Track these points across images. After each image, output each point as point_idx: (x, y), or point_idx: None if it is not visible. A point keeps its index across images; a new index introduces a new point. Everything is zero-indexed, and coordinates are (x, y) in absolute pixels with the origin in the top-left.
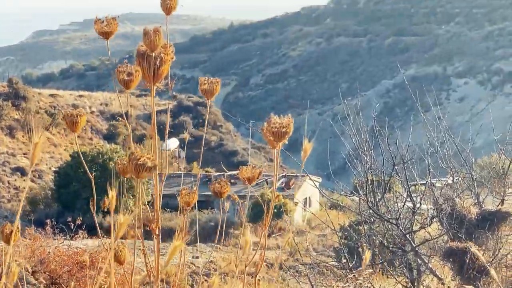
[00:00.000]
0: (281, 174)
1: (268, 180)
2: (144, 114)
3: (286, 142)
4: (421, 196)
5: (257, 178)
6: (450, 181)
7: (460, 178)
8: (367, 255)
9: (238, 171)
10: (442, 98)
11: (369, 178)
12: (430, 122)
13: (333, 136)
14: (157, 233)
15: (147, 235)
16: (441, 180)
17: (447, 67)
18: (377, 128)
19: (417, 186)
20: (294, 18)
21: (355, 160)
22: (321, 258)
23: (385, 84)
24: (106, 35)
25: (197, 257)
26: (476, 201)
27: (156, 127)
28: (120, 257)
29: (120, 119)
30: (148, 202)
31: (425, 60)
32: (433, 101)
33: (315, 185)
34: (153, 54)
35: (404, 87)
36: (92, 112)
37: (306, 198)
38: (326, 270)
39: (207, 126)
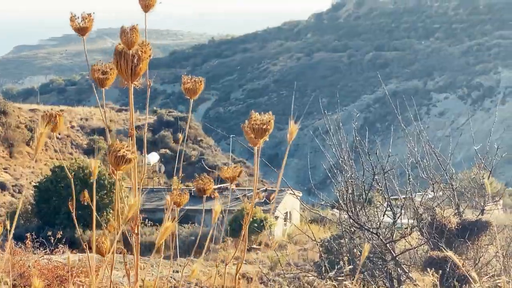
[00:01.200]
0: (262, 189)
1: (248, 194)
2: (124, 128)
3: (267, 139)
4: (401, 205)
5: (239, 177)
6: (430, 192)
7: (440, 189)
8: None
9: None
10: (422, 112)
11: (349, 187)
12: (411, 135)
13: (314, 151)
14: (136, 231)
15: (127, 249)
16: (421, 194)
17: (428, 81)
18: (357, 138)
19: (397, 200)
20: (275, 33)
21: (336, 171)
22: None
23: (365, 99)
24: (82, 31)
25: (177, 272)
26: (456, 211)
27: (134, 126)
28: (101, 249)
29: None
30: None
31: (406, 75)
32: (414, 115)
33: (297, 196)
34: (131, 52)
35: (385, 102)
36: (72, 127)
37: (286, 213)
38: (307, 284)
39: (187, 140)
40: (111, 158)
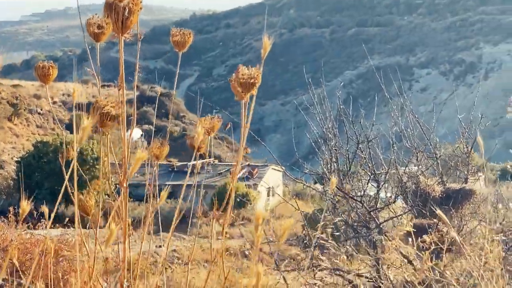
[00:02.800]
0: (245, 164)
1: (231, 170)
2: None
3: (254, 93)
4: (385, 172)
5: (216, 129)
6: (414, 161)
7: (424, 158)
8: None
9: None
10: (405, 88)
11: (333, 156)
12: (395, 104)
13: (296, 126)
14: (124, 185)
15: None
16: (405, 164)
17: (410, 57)
18: (341, 107)
19: (382, 171)
20: (257, 9)
21: (320, 140)
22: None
23: (348, 75)
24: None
25: (160, 247)
26: (440, 180)
27: (124, 80)
28: (85, 207)
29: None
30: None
31: (388, 51)
32: (399, 87)
33: (281, 168)
34: (121, 4)
35: (367, 77)
36: (54, 103)
37: (269, 188)
38: (290, 258)
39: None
40: (96, 116)
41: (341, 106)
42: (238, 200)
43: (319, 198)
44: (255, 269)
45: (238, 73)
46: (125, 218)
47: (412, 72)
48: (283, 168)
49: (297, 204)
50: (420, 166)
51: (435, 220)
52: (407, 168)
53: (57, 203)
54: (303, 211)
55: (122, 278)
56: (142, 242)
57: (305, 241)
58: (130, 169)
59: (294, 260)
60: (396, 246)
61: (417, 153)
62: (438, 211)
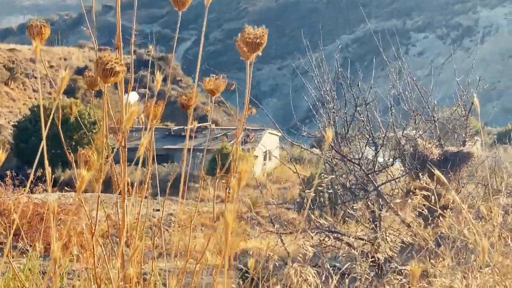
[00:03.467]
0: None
1: (228, 134)
2: None
3: (260, 54)
4: (384, 135)
5: (221, 89)
6: (412, 124)
7: (422, 120)
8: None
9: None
10: (402, 52)
11: (331, 119)
12: (393, 67)
13: (294, 90)
14: (123, 144)
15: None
16: (404, 127)
17: (406, 21)
18: (339, 70)
19: (380, 132)
20: None
21: (318, 104)
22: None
23: (344, 39)
24: None
25: (157, 210)
26: (438, 143)
27: (121, 38)
28: (87, 161)
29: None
30: (107, 156)
31: (385, 15)
32: (397, 50)
33: (279, 131)
34: None
35: (364, 41)
36: (51, 67)
37: (266, 152)
38: (287, 222)
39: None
40: (99, 71)
41: (339, 69)
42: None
43: (317, 162)
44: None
45: (244, 32)
46: (123, 176)
47: (409, 36)
48: (281, 131)
49: (295, 167)
50: (418, 129)
51: (433, 182)
52: (405, 131)
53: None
54: (300, 174)
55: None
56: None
57: (302, 205)
58: (125, 122)
59: (291, 223)
60: (394, 208)
61: (415, 116)
62: (437, 172)
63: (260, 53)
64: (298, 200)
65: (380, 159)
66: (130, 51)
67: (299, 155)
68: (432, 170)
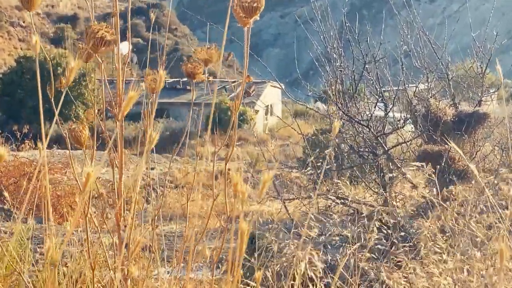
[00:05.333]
0: (240, 81)
1: (227, 87)
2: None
3: (258, 18)
4: (394, 96)
5: (214, 59)
6: (424, 83)
7: (435, 78)
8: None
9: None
10: None
11: (338, 77)
12: (403, 21)
13: (297, 40)
14: (119, 117)
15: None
16: (415, 85)
17: None
18: (347, 24)
19: (389, 91)
20: None
21: (323, 60)
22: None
23: None
24: None
25: (152, 169)
26: (452, 102)
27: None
28: (79, 138)
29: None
30: (99, 110)
31: None
32: (404, 1)
33: (280, 86)
34: None
35: None
36: (37, 14)
37: (267, 106)
38: (290, 182)
39: (160, 28)
40: (89, 40)
41: (347, 24)
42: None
43: (321, 118)
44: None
45: None
46: (120, 155)
47: None
48: (282, 86)
49: (298, 126)
50: (430, 88)
51: (446, 146)
52: (416, 89)
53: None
54: (304, 134)
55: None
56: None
57: (306, 164)
58: (124, 106)
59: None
60: (404, 173)
61: (427, 73)
62: (452, 145)
63: (258, 18)
64: (301, 158)
65: (392, 115)
66: None
67: (303, 110)
68: (445, 134)
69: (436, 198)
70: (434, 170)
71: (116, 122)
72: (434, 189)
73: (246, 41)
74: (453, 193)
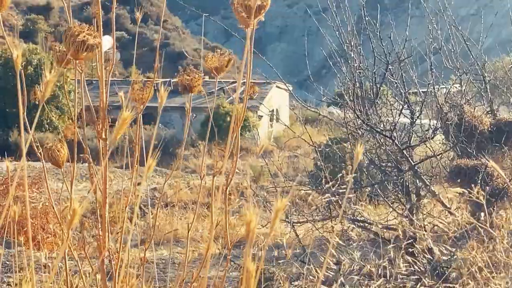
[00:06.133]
0: (242, 81)
1: (226, 88)
2: (72, 6)
3: (263, 19)
4: (422, 102)
5: (227, 67)
6: (457, 86)
7: (469, 81)
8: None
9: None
10: None
11: (357, 80)
12: (430, 13)
13: (307, 34)
14: (103, 136)
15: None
16: (445, 87)
17: None
18: (366, 17)
19: (416, 95)
20: None
21: (339, 59)
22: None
23: None
24: None
25: (138, 184)
26: (489, 109)
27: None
28: (57, 158)
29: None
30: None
31: None
32: None
33: (287, 89)
34: None
35: None
36: None
37: (273, 111)
38: (299, 199)
39: (148, 20)
40: (68, 44)
41: (366, 17)
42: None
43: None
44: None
45: None
46: (104, 179)
47: None
48: (289, 89)
49: (309, 136)
50: (464, 92)
51: (483, 160)
52: (448, 94)
53: None
54: (315, 145)
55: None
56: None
57: (318, 179)
58: (116, 130)
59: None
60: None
61: (460, 75)
62: (492, 162)
63: (263, 18)
64: (312, 172)
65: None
66: None
67: (314, 115)
68: (482, 146)
69: (480, 223)
70: (469, 190)
71: (99, 141)
72: (471, 212)
73: (249, 45)
74: (504, 218)
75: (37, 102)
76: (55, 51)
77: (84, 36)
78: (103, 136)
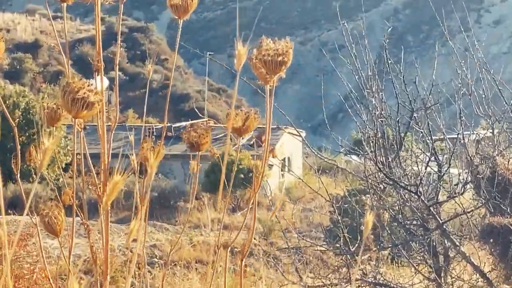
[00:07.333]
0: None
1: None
2: (61, 44)
3: (284, 76)
4: (450, 154)
5: (252, 129)
6: (489, 134)
7: (503, 130)
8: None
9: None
10: (471, 20)
11: (378, 129)
12: (458, 53)
13: (322, 73)
14: (105, 202)
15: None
16: (476, 133)
17: None
18: (388, 59)
19: (442, 142)
20: None
21: (358, 105)
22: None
23: (392, 2)
24: None
25: (134, 240)
26: None
27: (101, 56)
28: (54, 226)
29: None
30: (67, 164)
31: None
32: (461, 25)
33: (299, 135)
34: None
35: (418, 6)
36: None
37: (284, 159)
38: (314, 258)
39: (147, 59)
40: (67, 102)
41: (388, 59)
42: (242, 176)
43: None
44: None
45: (261, 48)
46: (106, 247)
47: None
48: (302, 136)
49: (324, 188)
50: (497, 142)
51: None
52: (479, 145)
53: None
54: (331, 198)
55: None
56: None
57: (335, 236)
58: (108, 194)
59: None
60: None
61: (492, 123)
62: None
63: (283, 75)
64: (328, 227)
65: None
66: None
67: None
68: None
69: None
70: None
71: (99, 207)
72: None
73: (269, 105)
74: None
75: (32, 165)
76: (44, 108)
77: (85, 93)
78: (105, 202)
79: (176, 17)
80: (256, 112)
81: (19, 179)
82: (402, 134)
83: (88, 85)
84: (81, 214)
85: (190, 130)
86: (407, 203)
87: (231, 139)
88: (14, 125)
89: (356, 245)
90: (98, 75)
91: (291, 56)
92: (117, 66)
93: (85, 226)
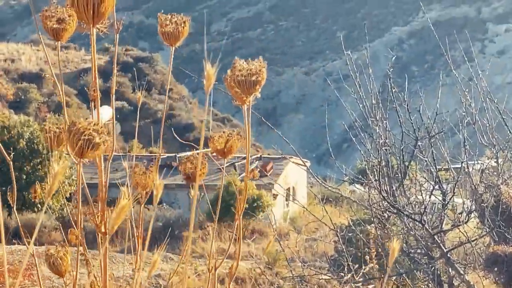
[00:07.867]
0: (255, 156)
1: (237, 164)
2: (66, 74)
3: (259, 95)
4: (454, 183)
5: (235, 150)
6: (493, 163)
7: (507, 158)
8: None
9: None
10: (475, 50)
11: (382, 158)
12: (462, 82)
13: (326, 103)
14: (103, 230)
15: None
16: (481, 162)
17: (482, 8)
18: (393, 90)
19: (447, 171)
20: None
21: (362, 134)
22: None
23: (396, 32)
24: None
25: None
26: None
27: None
28: (59, 267)
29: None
30: (71, 194)
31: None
32: (465, 55)
33: (305, 165)
34: None
35: (422, 36)
36: None
37: (289, 189)
38: (318, 287)
39: (152, 89)
40: (72, 142)
41: (393, 88)
42: (246, 206)
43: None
44: None
45: (234, 69)
46: (104, 278)
47: (486, 29)
48: (306, 165)
49: (329, 217)
50: (501, 171)
51: None
52: (483, 173)
53: None
54: (336, 228)
55: None
56: None
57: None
58: (111, 224)
59: None
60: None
61: (496, 152)
62: None
63: (259, 95)
64: (333, 257)
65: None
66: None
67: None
68: None
69: None
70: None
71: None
72: None
73: (246, 121)
74: None
75: (22, 143)
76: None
77: (90, 134)
78: (103, 230)
79: (168, 45)
80: (238, 133)
81: (15, 211)
82: (406, 163)
83: (94, 125)
84: (83, 245)
85: (185, 161)
86: (411, 232)
87: (235, 169)
88: (9, 159)
89: (360, 274)
90: (95, 105)
91: (264, 75)
92: (113, 96)
93: (85, 257)
